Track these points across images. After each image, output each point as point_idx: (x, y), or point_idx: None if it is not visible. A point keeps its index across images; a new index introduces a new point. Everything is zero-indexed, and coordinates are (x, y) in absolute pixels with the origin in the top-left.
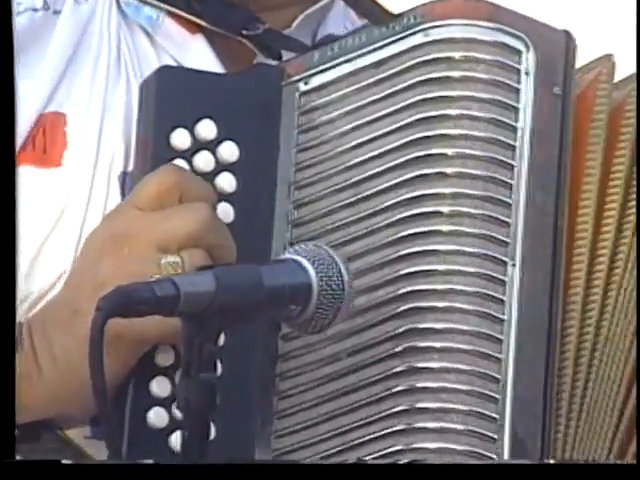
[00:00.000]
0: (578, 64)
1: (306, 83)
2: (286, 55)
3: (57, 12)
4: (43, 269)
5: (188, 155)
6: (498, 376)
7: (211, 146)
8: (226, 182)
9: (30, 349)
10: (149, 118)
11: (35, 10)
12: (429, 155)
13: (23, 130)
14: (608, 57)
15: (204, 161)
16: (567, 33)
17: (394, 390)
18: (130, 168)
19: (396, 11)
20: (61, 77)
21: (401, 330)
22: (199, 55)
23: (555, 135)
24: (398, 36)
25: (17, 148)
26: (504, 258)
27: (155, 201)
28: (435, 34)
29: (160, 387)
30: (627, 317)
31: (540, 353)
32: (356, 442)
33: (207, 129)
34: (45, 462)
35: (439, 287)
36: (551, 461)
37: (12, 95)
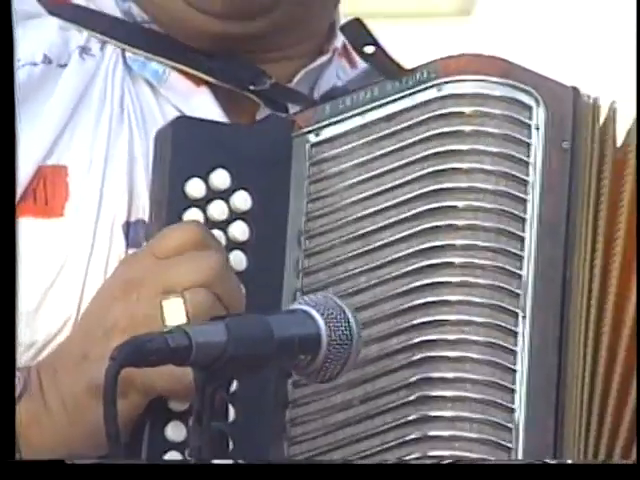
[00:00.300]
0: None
1: (317, 135)
2: (291, 108)
3: (62, 65)
4: (47, 317)
5: (202, 204)
6: (510, 425)
7: (225, 195)
8: (239, 231)
9: (39, 392)
10: (164, 167)
11: (34, 64)
12: (440, 207)
13: (23, 182)
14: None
15: (218, 210)
16: (575, 89)
17: (407, 438)
18: (133, 218)
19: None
20: (63, 129)
21: (414, 379)
22: (203, 106)
23: (564, 189)
24: (411, 90)
25: (17, 199)
26: (515, 309)
27: (172, 253)
28: (448, 89)
29: (175, 432)
30: (635, 364)
31: (551, 403)
32: None
33: (221, 179)
34: (45, 462)
35: (451, 337)
36: None
37: (13, 150)
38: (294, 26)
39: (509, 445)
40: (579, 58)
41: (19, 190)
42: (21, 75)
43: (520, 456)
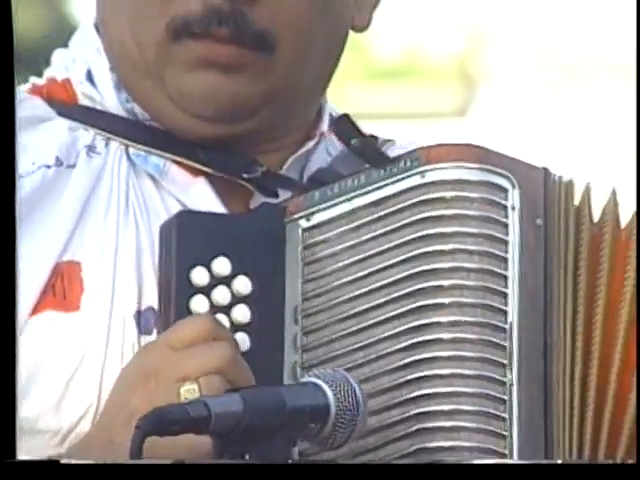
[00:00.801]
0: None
1: (308, 220)
2: (282, 194)
3: (71, 166)
4: (71, 406)
5: (207, 290)
6: None
7: (227, 281)
8: (241, 314)
9: None
10: (170, 258)
11: (48, 167)
12: (428, 287)
13: (43, 278)
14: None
15: (221, 295)
16: (545, 170)
17: None
18: (144, 306)
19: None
20: (75, 226)
21: (412, 449)
22: (201, 196)
23: (540, 262)
24: (396, 177)
25: (37, 295)
26: (503, 379)
27: (186, 344)
28: (430, 176)
29: None
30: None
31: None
32: None
33: (222, 266)
34: (45, 462)
35: (445, 408)
36: None
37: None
38: (280, 123)
39: None
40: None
41: (39, 286)
42: (36, 178)
43: None
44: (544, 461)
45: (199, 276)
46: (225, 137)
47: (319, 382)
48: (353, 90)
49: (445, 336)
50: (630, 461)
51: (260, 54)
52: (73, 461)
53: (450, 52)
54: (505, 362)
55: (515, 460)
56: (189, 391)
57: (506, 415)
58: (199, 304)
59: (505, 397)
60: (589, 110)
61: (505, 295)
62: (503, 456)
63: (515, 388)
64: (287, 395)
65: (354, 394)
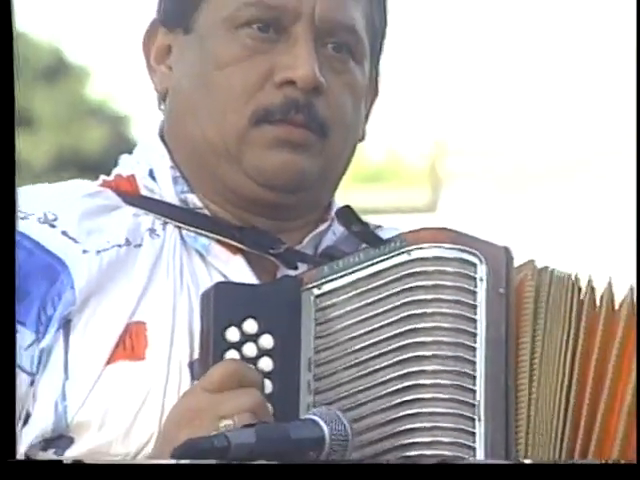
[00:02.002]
0: None
1: (319, 289)
2: (300, 265)
3: (138, 245)
4: (137, 434)
5: (238, 346)
6: None
7: (254, 338)
8: (265, 364)
9: None
10: (209, 320)
11: (119, 246)
12: (414, 343)
13: (116, 335)
14: (531, 262)
15: (250, 350)
16: (506, 248)
17: None
18: (195, 357)
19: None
20: (142, 294)
21: (397, 444)
22: (238, 269)
23: (502, 323)
24: (388, 255)
25: (109, 350)
26: (473, 415)
27: (219, 385)
28: (415, 254)
29: None
30: None
31: None
32: None
33: (251, 326)
34: (45, 462)
35: (426, 440)
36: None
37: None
38: (312, 202)
39: None
40: None
41: (113, 341)
42: (111, 254)
43: None
44: (544, 461)
45: (232, 334)
46: (284, 204)
47: (316, 418)
48: (345, 189)
49: (426, 382)
50: (622, 461)
51: (319, 137)
52: (73, 461)
53: (422, 159)
54: (475, 402)
55: (516, 460)
56: (226, 426)
57: (476, 446)
58: (231, 357)
59: (475, 431)
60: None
61: (474, 349)
62: (472, 449)
63: (482, 423)
64: (291, 429)
65: (344, 429)
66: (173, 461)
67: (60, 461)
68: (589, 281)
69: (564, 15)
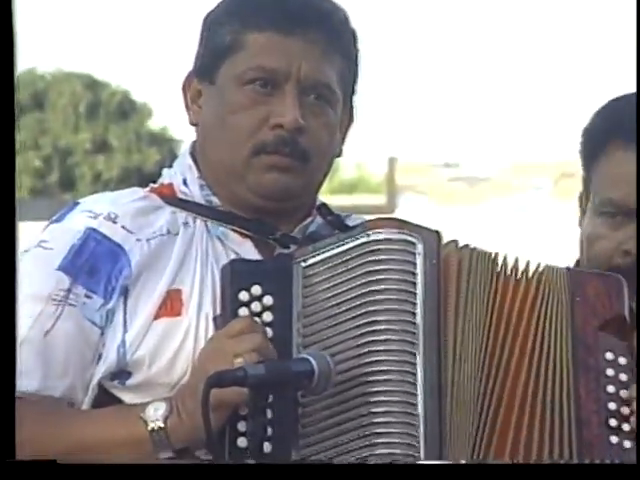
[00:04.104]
0: None
1: (305, 262)
2: (292, 247)
3: (175, 234)
4: (176, 369)
5: (247, 304)
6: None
7: (259, 298)
8: (267, 316)
9: (176, 411)
10: (226, 286)
11: (162, 235)
12: (372, 300)
13: (159, 298)
14: (454, 241)
15: (256, 307)
16: (437, 231)
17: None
18: (218, 313)
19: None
20: (178, 268)
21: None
22: (248, 250)
23: (435, 286)
24: (354, 237)
25: (155, 309)
26: (413, 350)
27: (234, 332)
28: (373, 236)
29: (242, 426)
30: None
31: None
32: None
33: (256, 290)
34: (45, 462)
35: (383, 368)
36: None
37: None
38: (299, 205)
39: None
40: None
41: (158, 302)
42: (157, 241)
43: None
44: (545, 461)
45: (243, 296)
46: (275, 209)
47: (309, 357)
48: (323, 195)
49: (381, 327)
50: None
51: (301, 163)
52: (72, 461)
53: (382, 172)
54: (415, 341)
55: (519, 460)
56: (239, 362)
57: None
58: (242, 312)
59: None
60: None
61: (415, 304)
62: (415, 438)
63: (420, 357)
64: (292, 364)
65: (328, 364)
66: (173, 461)
67: (58, 461)
68: (505, 257)
69: (532, 24)
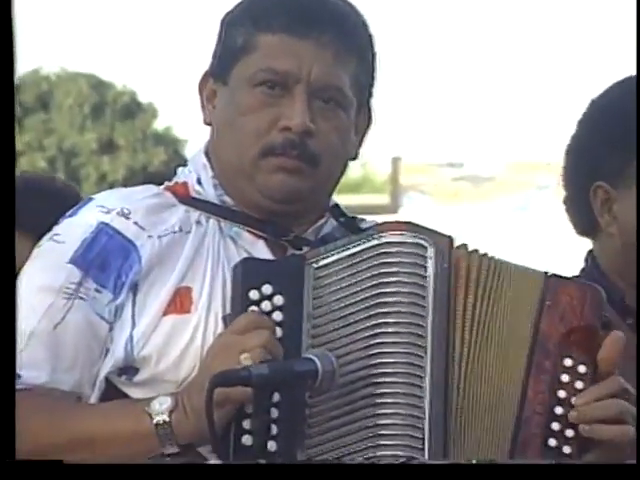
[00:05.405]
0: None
1: (316, 263)
2: (304, 248)
3: (187, 232)
4: (186, 365)
5: (258, 303)
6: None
7: (269, 297)
8: (277, 316)
9: (182, 406)
10: (237, 283)
11: (174, 232)
12: (382, 302)
13: (169, 295)
14: (465, 245)
15: (266, 306)
16: (449, 236)
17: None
18: (228, 312)
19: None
20: (189, 266)
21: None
22: (260, 250)
23: (446, 288)
24: (365, 239)
25: (164, 306)
26: (420, 353)
27: (242, 329)
28: (384, 239)
29: (247, 424)
30: None
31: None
32: None
33: (267, 289)
34: (45, 462)
35: (390, 360)
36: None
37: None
38: (310, 207)
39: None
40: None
41: (167, 299)
42: (169, 238)
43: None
44: (545, 461)
45: (254, 294)
46: (283, 211)
47: (313, 357)
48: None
49: (390, 329)
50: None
51: (311, 167)
52: (77, 455)
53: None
54: (423, 345)
55: (520, 460)
56: (246, 359)
57: (423, 405)
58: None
59: (423, 365)
60: None
61: (424, 307)
62: (419, 440)
63: (429, 360)
64: (295, 364)
65: (332, 364)
66: (173, 461)
67: (59, 461)
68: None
69: (517, 28)
